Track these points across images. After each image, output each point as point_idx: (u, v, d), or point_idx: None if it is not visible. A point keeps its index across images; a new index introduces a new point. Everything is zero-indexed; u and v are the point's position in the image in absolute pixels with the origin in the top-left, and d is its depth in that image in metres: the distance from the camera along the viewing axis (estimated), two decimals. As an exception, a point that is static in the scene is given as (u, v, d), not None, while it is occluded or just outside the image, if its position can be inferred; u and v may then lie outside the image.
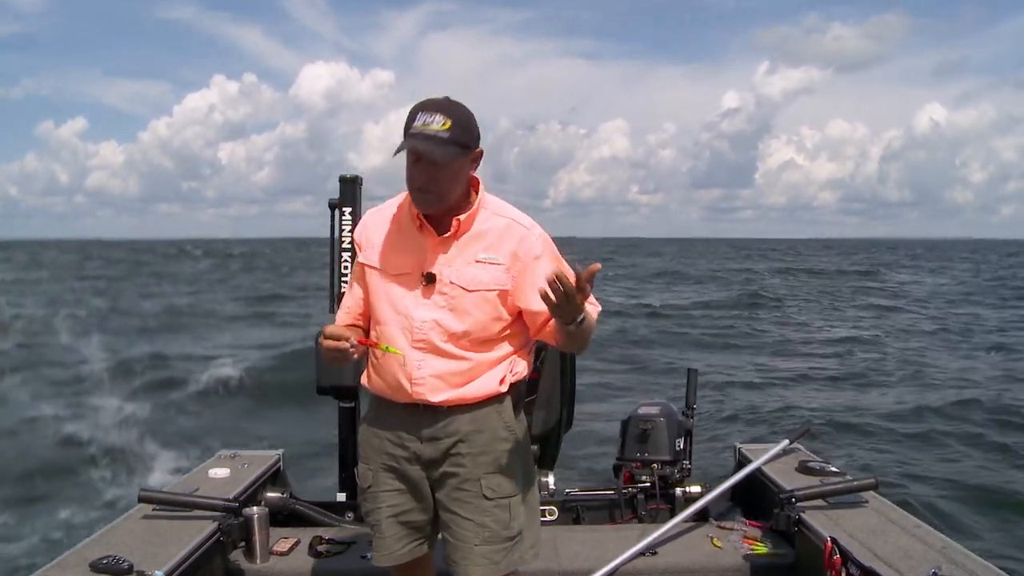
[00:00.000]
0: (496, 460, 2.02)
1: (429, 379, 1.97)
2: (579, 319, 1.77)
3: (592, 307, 1.87)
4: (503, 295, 1.96)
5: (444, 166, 1.86)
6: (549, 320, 1.91)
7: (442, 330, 1.95)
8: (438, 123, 1.83)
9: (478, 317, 1.95)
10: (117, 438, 8.07)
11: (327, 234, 3.69)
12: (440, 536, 2.12)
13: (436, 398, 1.97)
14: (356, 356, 1.94)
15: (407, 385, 1.97)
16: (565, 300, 1.70)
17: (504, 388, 2.02)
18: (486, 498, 2.00)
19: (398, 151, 1.86)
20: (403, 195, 2.05)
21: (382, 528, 2.09)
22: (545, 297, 1.70)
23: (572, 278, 1.72)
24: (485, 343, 1.98)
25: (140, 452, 7.64)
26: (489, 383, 2.00)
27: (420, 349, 1.96)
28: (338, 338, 1.90)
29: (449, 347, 1.95)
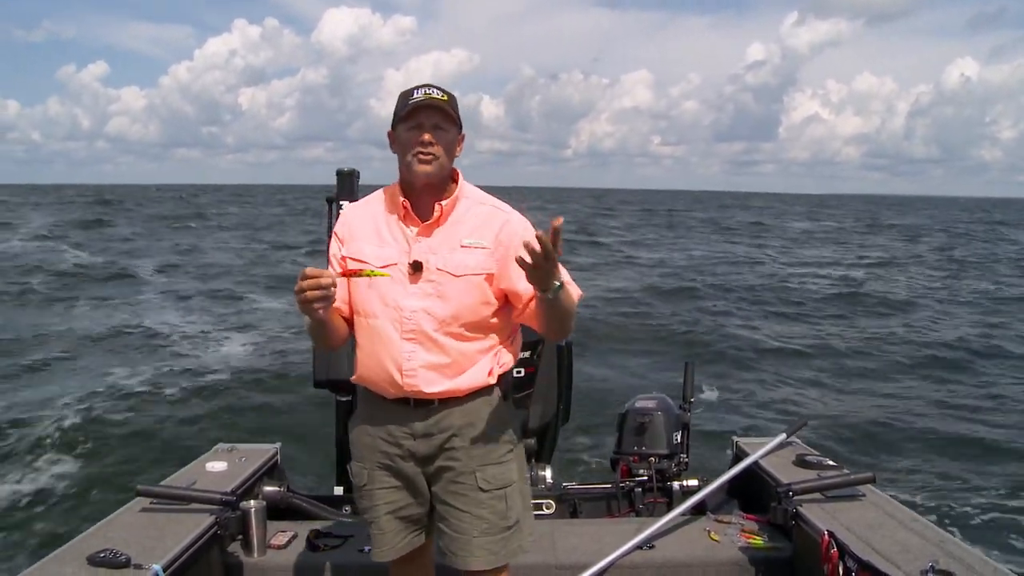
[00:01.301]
0: (490, 452, 2.04)
1: (420, 370, 1.98)
2: (556, 286, 1.78)
3: (572, 288, 1.91)
4: (489, 279, 1.99)
5: (446, 130, 1.97)
6: (532, 300, 1.94)
7: (432, 318, 1.97)
8: (438, 94, 1.96)
9: (466, 302, 1.97)
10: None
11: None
12: (437, 529, 2.13)
13: (429, 389, 1.98)
14: (334, 290, 1.84)
15: (398, 376, 1.98)
16: (543, 260, 1.70)
17: (493, 380, 2.05)
18: (482, 490, 2.02)
19: (411, 107, 1.94)
20: (378, 192, 2.12)
21: (380, 524, 2.11)
22: (522, 262, 1.72)
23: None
24: (473, 330, 2.00)
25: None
26: (478, 375, 2.03)
27: (411, 340, 1.97)
28: (317, 274, 1.81)
29: (439, 336, 1.97)
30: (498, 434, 2.06)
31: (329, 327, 2.01)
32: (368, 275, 1.94)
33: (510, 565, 2.10)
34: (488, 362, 2.05)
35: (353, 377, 2.12)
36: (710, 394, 9.60)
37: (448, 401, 2.02)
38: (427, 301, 1.97)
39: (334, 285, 1.83)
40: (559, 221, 1.71)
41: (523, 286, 1.90)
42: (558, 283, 1.78)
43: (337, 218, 3.67)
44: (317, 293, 1.80)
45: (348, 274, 1.97)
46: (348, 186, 3.69)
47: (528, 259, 1.70)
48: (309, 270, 1.82)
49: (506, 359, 2.09)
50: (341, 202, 3.69)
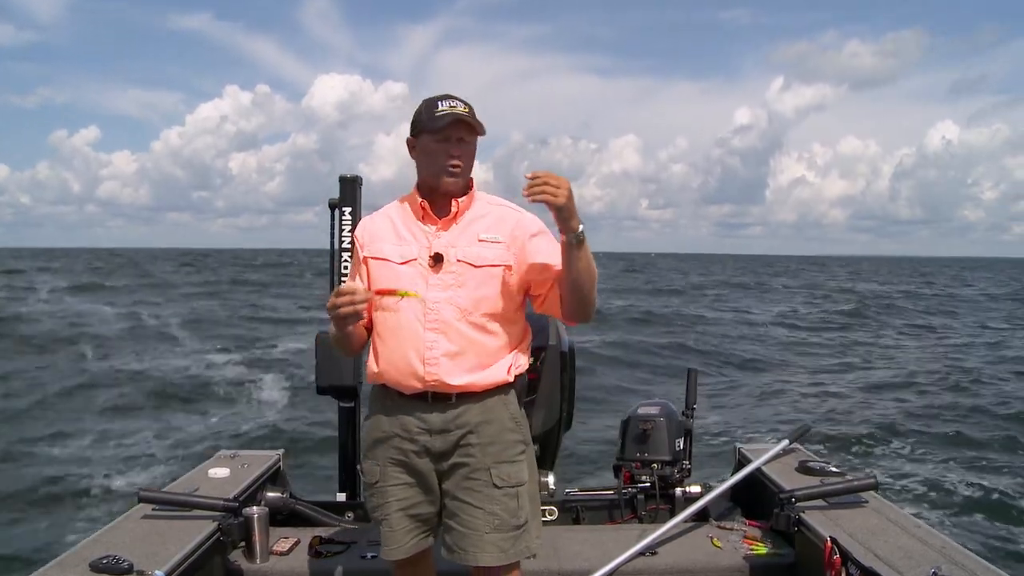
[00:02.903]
0: (504, 450, 2.08)
1: (443, 359, 2.02)
2: (580, 229, 1.90)
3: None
4: (507, 270, 2.05)
5: (469, 142, 2.05)
6: (555, 277, 2.04)
7: (454, 308, 2.02)
8: (461, 107, 2.03)
9: (486, 293, 2.04)
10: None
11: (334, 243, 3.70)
12: (444, 525, 2.13)
13: (451, 380, 2.02)
14: (366, 306, 1.98)
15: (420, 367, 2.02)
16: (553, 187, 1.83)
17: (511, 378, 2.10)
18: (496, 487, 2.05)
19: (442, 123, 1.99)
20: (395, 201, 2.18)
21: (391, 522, 2.12)
22: (532, 191, 1.83)
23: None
24: (493, 320, 2.05)
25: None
26: (498, 372, 2.07)
27: (434, 329, 2.02)
28: (351, 290, 1.93)
29: (462, 326, 2.02)
30: (513, 433, 2.10)
31: (354, 335, 2.11)
32: (401, 295, 2.01)
33: (517, 571, 2.12)
34: (507, 361, 2.10)
35: (370, 375, 2.14)
36: (713, 400, 9.60)
37: (465, 397, 2.05)
38: (449, 291, 2.03)
39: (366, 301, 1.94)
40: (532, 173, 1.85)
41: (543, 257, 2.04)
42: (581, 227, 1.90)
43: (340, 223, 3.70)
44: (350, 309, 1.91)
45: (381, 293, 2.03)
46: (351, 192, 3.71)
47: (536, 187, 1.83)
48: (344, 287, 1.95)
49: (522, 360, 2.15)
50: (344, 208, 3.70)
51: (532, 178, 1.84)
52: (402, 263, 2.06)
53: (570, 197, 1.86)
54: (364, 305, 1.93)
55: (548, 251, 2.07)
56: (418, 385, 2.04)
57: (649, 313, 24.69)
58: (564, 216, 1.89)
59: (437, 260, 2.04)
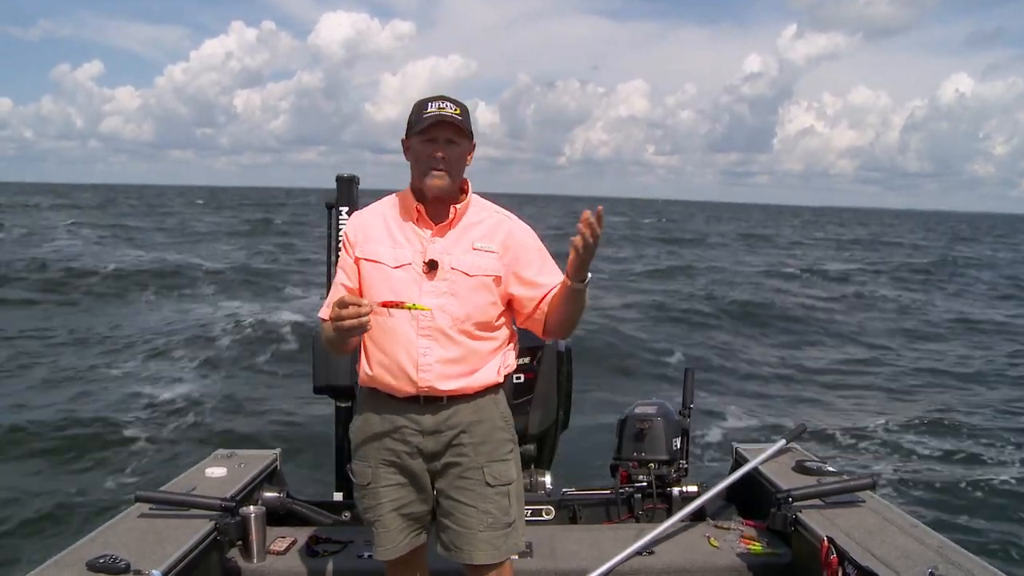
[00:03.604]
0: (496, 449, 2.10)
1: (436, 366, 2.03)
2: (589, 276, 1.96)
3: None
4: (497, 280, 2.07)
5: (458, 144, 2.03)
6: (545, 297, 2.08)
7: (447, 315, 2.03)
8: (451, 109, 2.02)
9: (477, 302, 2.05)
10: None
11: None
12: (439, 524, 2.15)
13: (443, 386, 2.03)
14: (369, 318, 1.90)
15: (413, 372, 2.02)
16: (593, 244, 1.88)
17: (500, 379, 2.13)
18: (488, 485, 2.07)
19: (426, 124, 1.99)
20: (388, 197, 2.17)
21: (385, 522, 2.13)
22: (577, 244, 1.88)
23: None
24: (483, 329, 2.07)
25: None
26: (488, 373, 2.09)
27: (427, 336, 2.03)
28: (356, 303, 1.86)
29: (454, 333, 2.03)
30: (503, 432, 2.13)
31: (351, 340, 2.05)
32: (409, 308, 1.99)
33: (510, 569, 2.14)
34: (497, 361, 2.12)
35: (362, 378, 2.14)
36: (710, 400, 9.60)
37: (457, 398, 2.07)
38: (442, 299, 2.04)
39: (370, 313, 1.89)
40: (600, 208, 1.88)
41: (542, 279, 2.08)
42: (590, 274, 1.95)
43: (336, 223, 3.70)
44: (355, 323, 1.86)
45: (387, 305, 1.98)
46: (347, 192, 3.70)
47: (587, 238, 1.87)
48: (347, 298, 1.88)
49: (510, 360, 2.18)
50: (341, 208, 3.69)
51: (593, 219, 1.86)
52: (396, 267, 2.05)
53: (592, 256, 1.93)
54: (368, 319, 1.89)
55: (538, 267, 2.11)
56: (411, 390, 2.05)
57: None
58: (583, 263, 1.93)
59: (432, 267, 2.04)
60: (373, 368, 2.09)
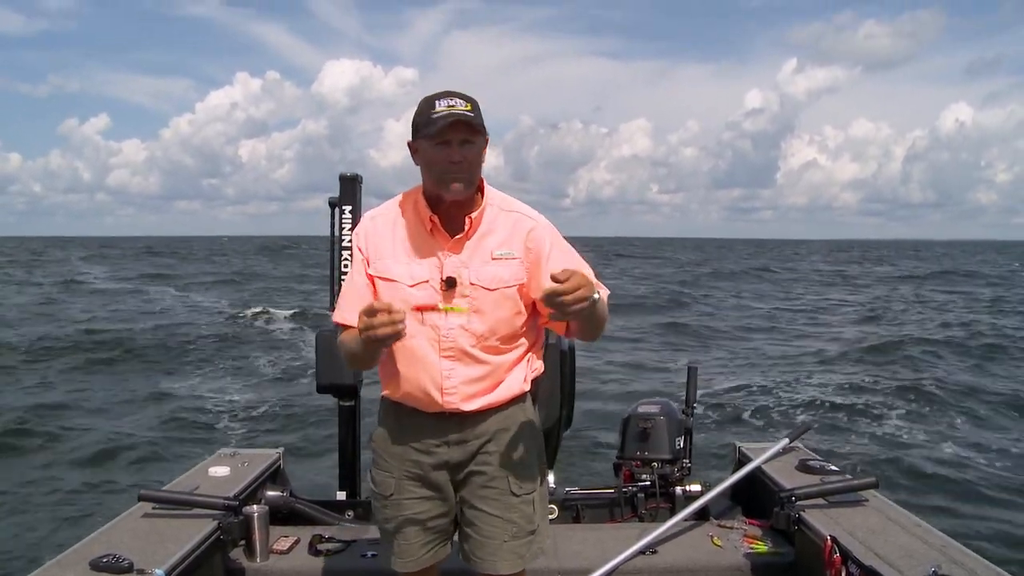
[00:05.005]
0: (521, 457, 2.02)
1: (460, 387, 1.94)
2: (595, 298, 1.72)
3: (602, 290, 1.85)
4: (520, 288, 1.95)
5: (474, 142, 1.88)
6: None
7: (469, 334, 1.92)
8: (461, 105, 1.86)
9: (501, 315, 1.94)
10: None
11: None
12: (461, 533, 2.08)
13: (469, 407, 1.95)
14: (404, 325, 1.71)
15: (437, 396, 1.94)
16: (581, 296, 1.66)
17: (528, 386, 2.05)
18: (514, 495, 2.00)
19: (438, 126, 1.82)
20: (397, 200, 2.03)
21: (407, 535, 2.05)
22: (549, 301, 1.67)
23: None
24: (508, 341, 1.97)
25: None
26: (514, 383, 2.01)
27: (449, 357, 1.92)
28: (387, 308, 1.67)
29: (477, 352, 1.93)
30: (529, 439, 2.05)
31: (378, 355, 1.94)
32: (445, 311, 1.89)
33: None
34: (523, 369, 2.03)
35: (384, 393, 2.05)
36: (713, 399, 9.60)
37: (485, 411, 1.98)
38: (463, 317, 1.92)
39: (404, 320, 1.71)
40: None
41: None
42: (596, 295, 1.73)
43: (340, 222, 3.70)
44: (389, 329, 1.67)
45: (420, 309, 1.89)
46: (351, 191, 3.70)
47: (560, 301, 1.66)
48: (376, 304, 1.70)
49: (537, 364, 2.09)
50: (344, 207, 3.70)
51: (553, 293, 1.64)
52: (412, 285, 1.93)
53: (591, 285, 1.71)
54: (404, 326, 1.69)
55: (561, 267, 1.88)
56: (436, 409, 1.96)
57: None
58: (575, 315, 1.72)
59: (450, 284, 1.90)
60: (395, 389, 2.00)
